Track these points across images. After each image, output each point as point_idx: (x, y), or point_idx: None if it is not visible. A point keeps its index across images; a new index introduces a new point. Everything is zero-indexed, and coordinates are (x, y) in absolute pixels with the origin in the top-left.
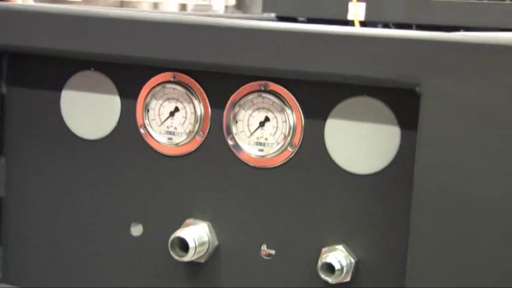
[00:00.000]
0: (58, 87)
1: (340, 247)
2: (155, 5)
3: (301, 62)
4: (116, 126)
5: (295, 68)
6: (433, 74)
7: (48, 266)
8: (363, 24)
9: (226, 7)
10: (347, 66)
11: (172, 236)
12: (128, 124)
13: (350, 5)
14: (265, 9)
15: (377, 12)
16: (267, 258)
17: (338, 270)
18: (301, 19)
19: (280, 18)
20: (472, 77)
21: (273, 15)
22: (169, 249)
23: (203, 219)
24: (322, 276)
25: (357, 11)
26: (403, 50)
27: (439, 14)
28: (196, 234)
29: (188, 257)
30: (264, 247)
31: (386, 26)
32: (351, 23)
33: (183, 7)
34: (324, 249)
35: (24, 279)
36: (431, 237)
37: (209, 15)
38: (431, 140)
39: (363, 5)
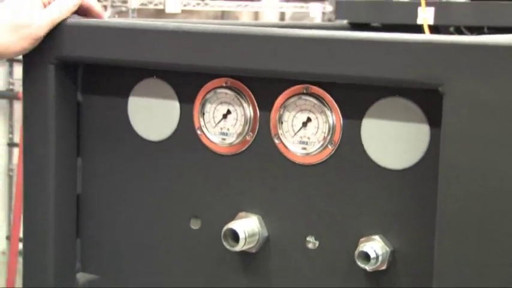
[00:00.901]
0: (125, 94)
1: (377, 237)
2: (255, 14)
3: (340, 67)
4: (176, 129)
5: (334, 72)
6: (454, 76)
7: (120, 256)
8: (433, 28)
9: (324, 13)
10: (379, 69)
11: (225, 228)
12: (187, 126)
13: (419, 10)
14: (338, 16)
15: (446, 16)
16: (311, 248)
17: (373, 258)
18: (374, 25)
19: (353, 25)
20: (490, 78)
21: (345, 21)
22: (222, 239)
23: (254, 212)
24: (359, 264)
25: (426, 16)
26: (427, 53)
27: (509, 16)
28: (247, 226)
29: (239, 247)
30: (309, 238)
31: (457, 29)
32: (421, 28)
33: (282, 15)
34: (361, 239)
35: (100, 269)
36: (457, 229)
37: (304, 24)
38: (454, 137)
39: (432, 9)
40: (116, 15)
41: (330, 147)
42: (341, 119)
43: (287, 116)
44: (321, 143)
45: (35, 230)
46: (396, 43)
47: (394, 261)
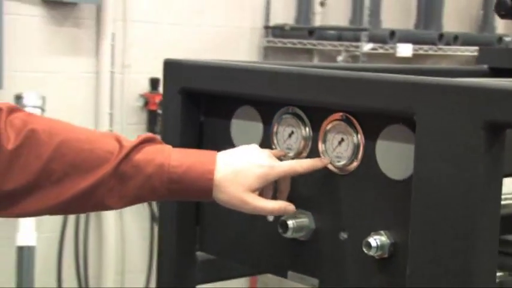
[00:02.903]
0: (229, 117)
1: (382, 232)
2: None
3: (367, 101)
4: None
5: (364, 104)
6: (422, 108)
7: (228, 240)
8: None
9: None
10: (384, 103)
11: (281, 219)
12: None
13: None
14: (479, 61)
15: None
16: (341, 239)
17: (374, 247)
18: None
19: (493, 70)
20: (446, 110)
21: (485, 66)
22: (278, 227)
23: (306, 209)
24: (365, 251)
25: None
26: (404, 91)
27: None
28: (298, 219)
29: (289, 234)
30: (343, 233)
31: None
32: None
33: None
34: (372, 233)
35: (214, 249)
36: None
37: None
38: (422, 152)
39: None
40: (350, 59)
41: (355, 162)
42: (363, 140)
43: (329, 137)
44: (350, 158)
45: (166, 220)
46: (382, 82)
47: (394, 251)
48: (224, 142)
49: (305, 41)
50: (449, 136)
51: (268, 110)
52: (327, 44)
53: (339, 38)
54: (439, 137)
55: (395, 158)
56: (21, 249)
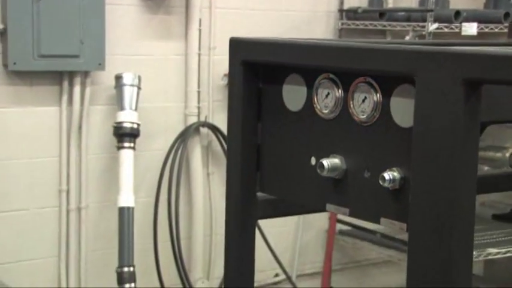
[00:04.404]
0: (281, 82)
1: (394, 168)
2: None
3: (385, 66)
4: (304, 105)
5: (382, 68)
6: (420, 71)
7: (284, 181)
8: None
9: None
10: (396, 66)
11: (319, 161)
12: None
13: None
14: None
15: None
16: (366, 177)
17: (387, 180)
18: None
19: None
20: (433, 72)
21: None
22: (317, 168)
23: (338, 153)
24: (380, 182)
25: None
26: (407, 57)
27: None
28: (332, 161)
29: (325, 173)
30: (366, 171)
31: None
32: None
33: None
34: (387, 169)
35: (272, 190)
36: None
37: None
38: (422, 107)
39: None
40: (416, 38)
41: (375, 115)
42: (381, 98)
43: (355, 97)
44: (371, 112)
45: (232, 167)
46: (393, 51)
47: (404, 183)
48: (277, 103)
49: (375, 23)
50: (437, 92)
51: (310, 76)
52: (396, 25)
53: (408, 19)
54: (430, 92)
55: (404, 110)
56: (122, 210)
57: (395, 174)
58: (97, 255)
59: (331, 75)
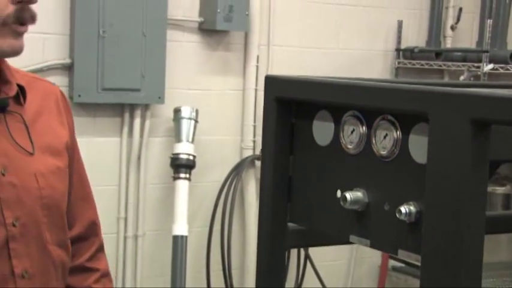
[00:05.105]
0: (312, 118)
1: (411, 203)
2: None
3: (405, 106)
4: (331, 141)
5: (402, 107)
6: (434, 109)
7: (313, 213)
8: None
9: None
10: (413, 106)
11: (342, 194)
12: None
13: None
14: None
15: None
16: (386, 210)
17: (404, 213)
18: None
19: None
20: (444, 112)
21: None
22: (340, 201)
23: (361, 187)
24: (397, 216)
25: None
26: (421, 97)
27: None
28: (355, 194)
29: (347, 205)
30: (386, 204)
31: None
32: None
33: None
34: (404, 203)
35: (302, 221)
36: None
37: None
38: (435, 142)
39: None
40: (472, 78)
41: (395, 151)
42: (401, 135)
43: (378, 133)
44: (391, 148)
45: (264, 199)
46: (410, 91)
47: (420, 217)
48: (308, 138)
49: (432, 62)
50: (447, 130)
51: (338, 113)
52: (450, 65)
53: (464, 59)
54: (441, 131)
55: (421, 147)
56: (176, 238)
57: (412, 208)
58: (151, 281)
59: (356, 113)
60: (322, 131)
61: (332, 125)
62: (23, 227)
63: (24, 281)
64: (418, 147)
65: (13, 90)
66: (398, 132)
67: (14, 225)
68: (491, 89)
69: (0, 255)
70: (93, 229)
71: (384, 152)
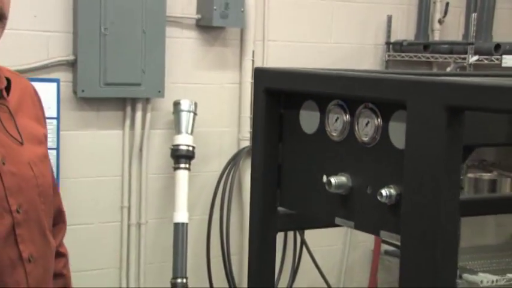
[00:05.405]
0: (299, 107)
1: (391, 186)
2: None
3: (385, 95)
4: (317, 128)
5: (382, 96)
6: (410, 98)
7: (300, 197)
8: None
9: None
10: (391, 94)
11: (327, 179)
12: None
13: None
14: None
15: None
16: (368, 193)
17: (384, 196)
18: None
19: None
20: (420, 99)
21: None
22: (326, 185)
23: (345, 172)
24: (378, 198)
25: None
26: (400, 86)
27: None
28: (339, 179)
29: (333, 189)
30: (368, 188)
31: None
32: None
33: None
34: (385, 187)
35: (291, 205)
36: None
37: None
38: (410, 133)
39: None
40: (458, 69)
41: (376, 137)
42: (381, 122)
43: (360, 121)
44: (373, 135)
45: (256, 184)
46: (389, 80)
47: (400, 199)
48: (295, 127)
49: (420, 55)
50: (423, 117)
51: (322, 103)
52: (438, 57)
53: (451, 52)
54: (418, 118)
55: (400, 133)
56: (177, 225)
57: (392, 190)
58: (154, 267)
59: (340, 102)
60: (308, 119)
61: (318, 114)
62: (26, 214)
63: (30, 265)
64: (398, 134)
65: (3, 83)
66: (379, 120)
67: (18, 212)
68: (465, 77)
69: (8, 241)
70: (61, 216)
71: (365, 139)
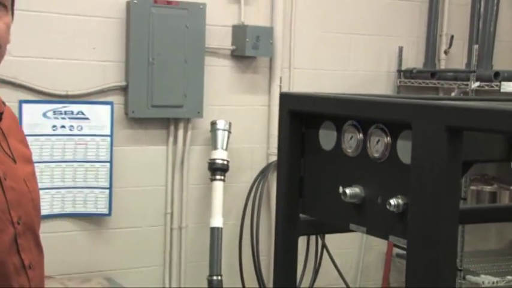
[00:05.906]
0: (318, 127)
1: (399, 196)
2: None
3: (393, 117)
4: (335, 145)
5: (390, 118)
6: (416, 119)
7: (320, 206)
8: None
9: None
10: (397, 116)
11: (342, 189)
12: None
13: None
14: None
15: None
16: (379, 202)
17: (393, 205)
18: None
19: None
20: (423, 120)
21: None
22: (341, 195)
23: (359, 184)
24: (387, 207)
25: None
26: (405, 109)
27: None
28: (353, 189)
29: (347, 199)
30: (379, 198)
31: None
32: None
33: None
34: (393, 197)
35: (313, 213)
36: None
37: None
38: (417, 145)
39: None
40: (461, 94)
41: (386, 153)
42: (390, 140)
43: (372, 139)
44: (383, 151)
45: (280, 196)
46: (396, 104)
47: (406, 208)
48: (315, 144)
49: (427, 81)
50: (426, 136)
51: (339, 123)
52: (444, 83)
53: (455, 78)
54: (422, 136)
55: (407, 150)
56: (213, 230)
57: (400, 200)
58: (193, 265)
59: (354, 122)
60: (326, 138)
61: (335, 133)
62: (24, 225)
63: (31, 272)
64: (405, 151)
65: (1, 108)
66: (388, 138)
67: (18, 223)
68: (466, 101)
69: (12, 250)
70: None
71: (376, 155)
